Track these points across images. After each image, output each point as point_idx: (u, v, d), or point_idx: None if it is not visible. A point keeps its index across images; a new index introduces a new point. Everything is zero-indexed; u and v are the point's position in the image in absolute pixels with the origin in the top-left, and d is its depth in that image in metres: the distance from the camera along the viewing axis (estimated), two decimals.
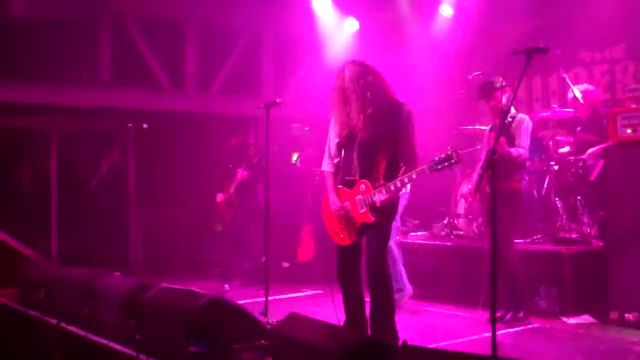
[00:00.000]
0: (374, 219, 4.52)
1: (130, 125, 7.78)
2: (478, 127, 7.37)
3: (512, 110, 5.65)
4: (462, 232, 7.28)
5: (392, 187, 4.43)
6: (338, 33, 9.44)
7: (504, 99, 5.60)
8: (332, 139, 4.85)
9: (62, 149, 8.80)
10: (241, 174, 7.67)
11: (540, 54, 3.81)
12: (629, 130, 5.76)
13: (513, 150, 5.47)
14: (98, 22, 8.70)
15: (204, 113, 9.47)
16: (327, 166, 4.90)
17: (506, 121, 5.37)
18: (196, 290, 4.57)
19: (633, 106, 5.80)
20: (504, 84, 5.59)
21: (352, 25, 9.51)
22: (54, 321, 5.16)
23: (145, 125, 7.72)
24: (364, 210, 4.56)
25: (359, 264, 4.77)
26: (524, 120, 5.70)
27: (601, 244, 6.09)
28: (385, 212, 4.58)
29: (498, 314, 5.62)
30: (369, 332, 4.61)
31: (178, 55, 9.42)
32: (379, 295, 4.64)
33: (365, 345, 3.10)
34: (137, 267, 8.67)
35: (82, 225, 8.53)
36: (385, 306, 4.64)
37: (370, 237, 4.64)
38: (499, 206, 5.46)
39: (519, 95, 8.67)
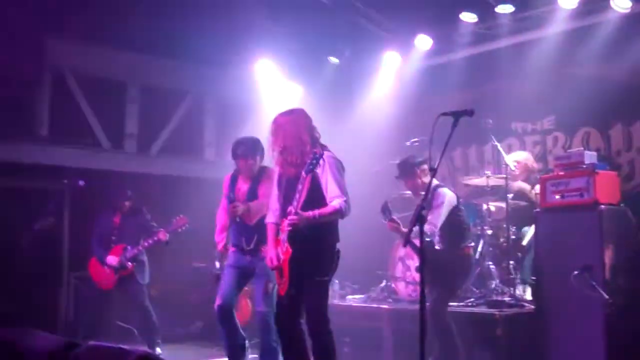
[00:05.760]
0: (291, 249, 4.50)
1: (65, 181, 7.63)
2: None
3: (434, 181, 5.71)
4: (399, 296, 7.32)
5: (299, 212, 4.44)
6: (281, 98, 9.59)
7: (423, 176, 5.78)
8: (275, 192, 4.93)
9: None
10: (164, 235, 7.28)
11: (466, 116, 3.97)
12: (557, 197, 5.97)
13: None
14: (38, 79, 8.64)
15: (144, 173, 9.39)
16: (269, 217, 4.95)
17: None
18: (125, 347, 4.42)
19: (561, 173, 6.04)
20: (420, 160, 5.81)
21: (295, 90, 9.68)
22: None
23: (81, 182, 7.60)
24: (285, 245, 4.56)
25: (294, 321, 4.71)
26: (439, 195, 5.76)
27: (533, 306, 6.20)
28: (314, 263, 4.55)
29: None
30: None
31: (119, 115, 9.40)
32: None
33: None
34: (68, 330, 8.35)
35: (12, 285, 8.22)
36: None
37: (306, 295, 4.59)
38: (445, 270, 5.60)
39: (456, 163, 8.95)
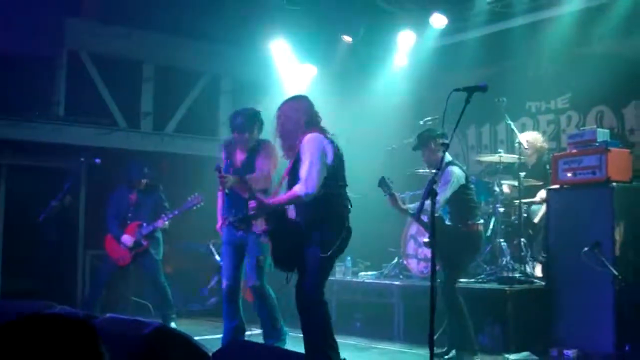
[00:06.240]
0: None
1: (82, 159, 7.72)
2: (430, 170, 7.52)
3: (447, 157, 5.67)
4: (411, 272, 7.39)
5: (259, 199, 4.60)
6: (296, 78, 9.61)
7: (438, 149, 5.77)
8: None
9: (12, 184, 8.69)
10: (162, 222, 7.31)
11: (479, 91, 3.99)
12: (569, 174, 5.99)
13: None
14: (55, 59, 8.73)
15: (159, 152, 9.49)
16: None
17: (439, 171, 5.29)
18: (142, 319, 4.52)
19: (574, 151, 6.05)
20: (439, 132, 5.81)
21: (310, 71, 9.70)
22: None
23: (97, 160, 7.67)
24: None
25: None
26: (447, 173, 5.68)
27: (543, 283, 6.25)
28: (309, 240, 4.54)
29: (443, 350, 5.72)
30: None
31: (135, 94, 9.49)
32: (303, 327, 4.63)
33: None
34: (85, 306, 8.49)
35: (30, 262, 8.37)
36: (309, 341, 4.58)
37: (300, 271, 4.60)
38: (453, 246, 5.63)
39: (469, 141, 8.96)
